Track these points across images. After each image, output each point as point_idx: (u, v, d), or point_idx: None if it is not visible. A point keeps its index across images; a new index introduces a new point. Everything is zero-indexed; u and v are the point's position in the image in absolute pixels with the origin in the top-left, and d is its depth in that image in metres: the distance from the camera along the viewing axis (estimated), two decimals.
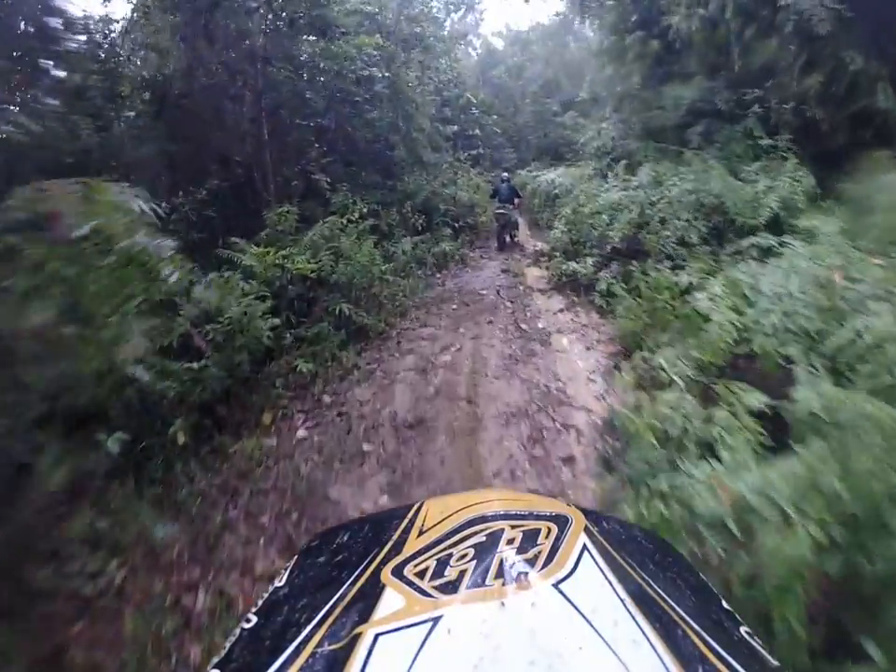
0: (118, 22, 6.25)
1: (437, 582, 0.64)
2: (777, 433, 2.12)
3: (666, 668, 0.52)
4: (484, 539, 0.73)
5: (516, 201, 9.34)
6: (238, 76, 6.59)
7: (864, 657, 1.31)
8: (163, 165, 5.99)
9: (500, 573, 0.63)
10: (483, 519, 0.79)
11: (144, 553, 2.53)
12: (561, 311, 5.84)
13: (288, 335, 4.50)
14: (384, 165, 8.71)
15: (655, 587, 0.69)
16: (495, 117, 16.19)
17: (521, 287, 6.97)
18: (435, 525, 0.80)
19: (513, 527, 0.75)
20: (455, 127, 13.24)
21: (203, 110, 6.29)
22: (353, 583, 0.69)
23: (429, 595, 0.62)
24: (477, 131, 14.98)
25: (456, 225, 9.75)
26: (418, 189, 8.92)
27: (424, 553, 0.72)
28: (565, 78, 16.95)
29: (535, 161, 15.35)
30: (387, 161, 8.76)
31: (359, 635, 0.56)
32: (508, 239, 9.65)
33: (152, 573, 2.45)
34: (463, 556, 0.69)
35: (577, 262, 6.30)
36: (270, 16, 6.69)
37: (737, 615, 0.75)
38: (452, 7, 15.87)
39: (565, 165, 12.05)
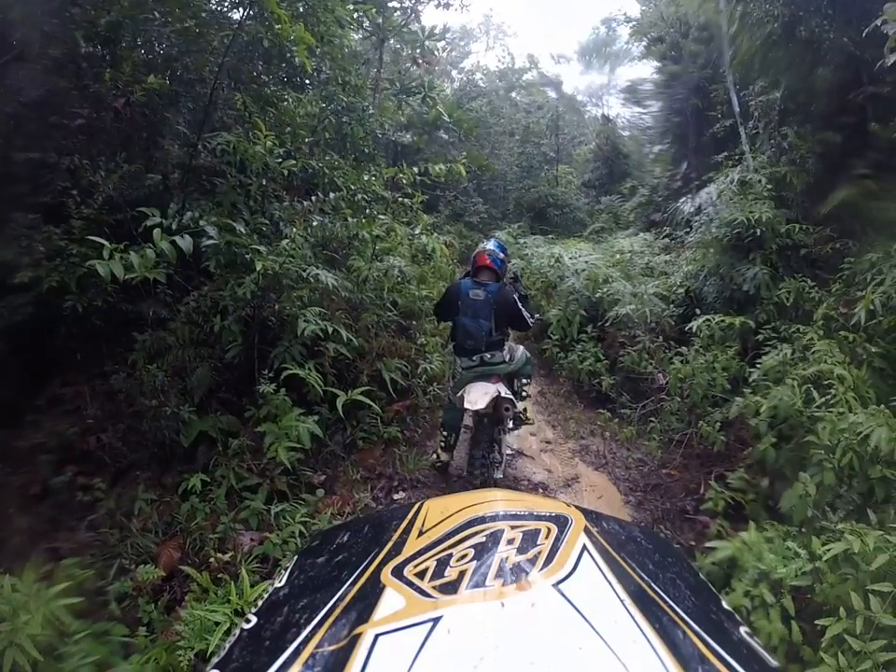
0: None
1: (437, 583, 0.64)
2: None
3: (666, 668, 0.52)
4: (484, 539, 0.73)
5: (529, 318, 3.01)
6: None
7: None
8: None
9: (500, 573, 0.63)
10: (483, 519, 0.79)
11: None
12: None
13: None
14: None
15: (655, 587, 0.69)
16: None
17: None
18: (435, 526, 0.80)
19: (513, 528, 0.75)
20: (408, 136, 9.94)
21: None
22: (353, 584, 0.69)
23: (429, 596, 0.62)
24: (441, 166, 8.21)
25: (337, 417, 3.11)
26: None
27: (424, 554, 0.72)
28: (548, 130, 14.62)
29: (512, 221, 11.85)
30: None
31: (359, 635, 0.56)
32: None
33: None
34: (463, 557, 0.68)
35: None
36: None
37: (737, 615, 0.75)
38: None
39: (575, 236, 9.40)
